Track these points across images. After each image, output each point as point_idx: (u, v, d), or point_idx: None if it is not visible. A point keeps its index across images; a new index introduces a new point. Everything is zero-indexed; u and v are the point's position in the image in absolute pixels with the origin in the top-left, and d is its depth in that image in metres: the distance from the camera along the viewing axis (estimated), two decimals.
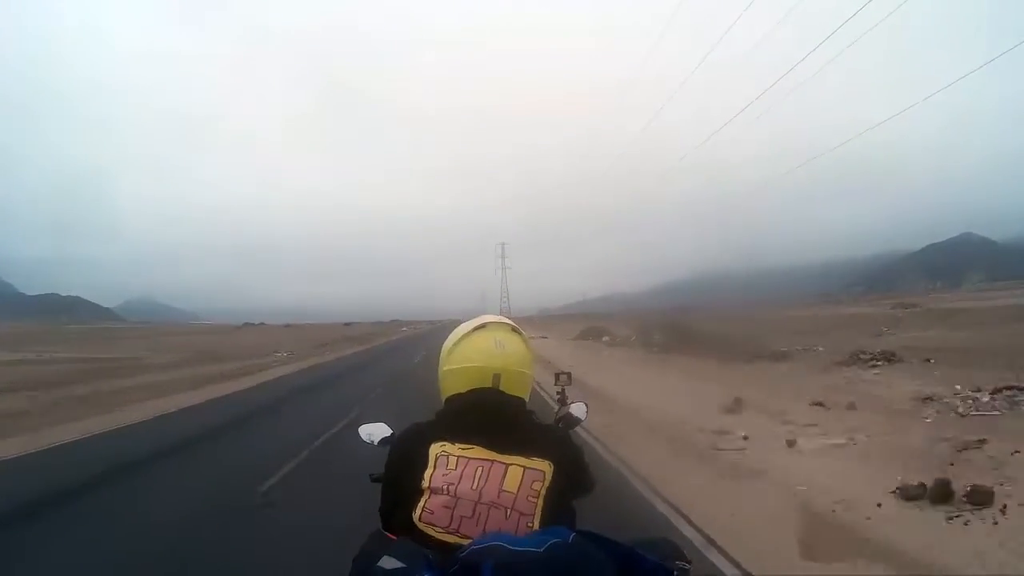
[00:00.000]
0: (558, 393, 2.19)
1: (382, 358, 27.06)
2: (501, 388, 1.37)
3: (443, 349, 1.46)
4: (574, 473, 1.33)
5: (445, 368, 1.43)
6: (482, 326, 1.43)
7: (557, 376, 2.36)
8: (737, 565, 3.58)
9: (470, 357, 1.39)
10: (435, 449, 1.26)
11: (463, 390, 1.37)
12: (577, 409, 1.82)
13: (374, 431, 1.67)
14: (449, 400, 1.40)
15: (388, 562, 0.97)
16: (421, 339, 42.41)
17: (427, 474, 1.23)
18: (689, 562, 1.09)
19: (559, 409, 1.95)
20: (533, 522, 1.19)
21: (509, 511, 1.19)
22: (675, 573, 1.05)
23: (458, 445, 1.25)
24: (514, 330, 1.46)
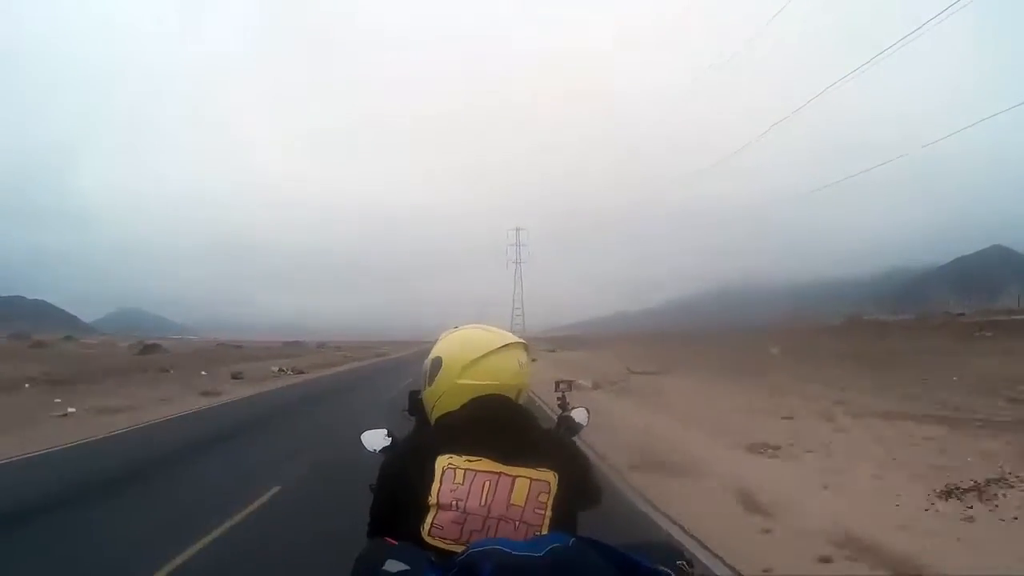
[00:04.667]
0: (559, 399, 2.23)
1: None
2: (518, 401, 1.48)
3: (449, 358, 1.49)
4: (580, 483, 1.39)
5: (461, 381, 1.46)
6: (505, 346, 1.50)
7: (557, 384, 2.41)
8: None
9: (495, 375, 1.46)
10: (441, 462, 1.29)
11: (469, 399, 1.43)
12: (578, 415, 1.87)
13: (376, 438, 1.71)
14: (454, 411, 1.43)
15: (393, 565, 1.04)
16: None
17: (434, 489, 1.27)
18: (691, 564, 1.13)
19: (560, 415, 1.99)
20: (541, 533, 1.24)
21: (518, 524, 1.26)
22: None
23: (464, 457, 1.30)
24: (526, 348, 1.57)
